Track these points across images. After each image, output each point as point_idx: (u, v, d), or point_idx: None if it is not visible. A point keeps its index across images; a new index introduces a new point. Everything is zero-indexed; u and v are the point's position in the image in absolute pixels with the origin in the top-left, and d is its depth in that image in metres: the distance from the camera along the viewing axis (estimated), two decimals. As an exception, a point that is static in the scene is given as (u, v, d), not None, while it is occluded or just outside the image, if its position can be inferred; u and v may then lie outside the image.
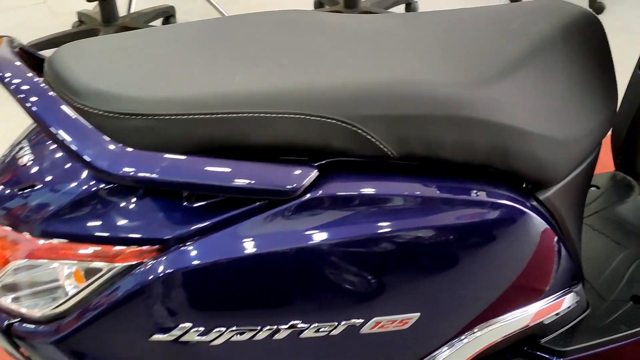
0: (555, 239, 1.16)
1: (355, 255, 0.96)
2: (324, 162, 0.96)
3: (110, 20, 3.34)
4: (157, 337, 0.90)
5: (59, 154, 0.94)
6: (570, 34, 1.19)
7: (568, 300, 1.24)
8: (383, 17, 1.23)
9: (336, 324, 0.96)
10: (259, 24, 1.11)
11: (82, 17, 3.59)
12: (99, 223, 0.89)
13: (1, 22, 3.93)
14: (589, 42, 1.22)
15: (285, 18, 1.14)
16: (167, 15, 3.65)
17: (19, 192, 0.93)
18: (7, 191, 0.95)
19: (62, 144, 0.86)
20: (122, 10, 3.51)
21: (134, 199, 0.90)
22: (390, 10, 3.58)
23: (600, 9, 3.56)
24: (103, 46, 1.00)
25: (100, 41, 1.02)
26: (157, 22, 3.64)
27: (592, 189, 1.70)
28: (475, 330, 1.12)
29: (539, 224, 1.11)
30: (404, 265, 1.00)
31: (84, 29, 3.43)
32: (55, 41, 3.35)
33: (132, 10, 3.64)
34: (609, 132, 1.46)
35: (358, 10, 3.42)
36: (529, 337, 1.25)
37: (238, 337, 0.92)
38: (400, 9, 3.69)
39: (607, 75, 1.25)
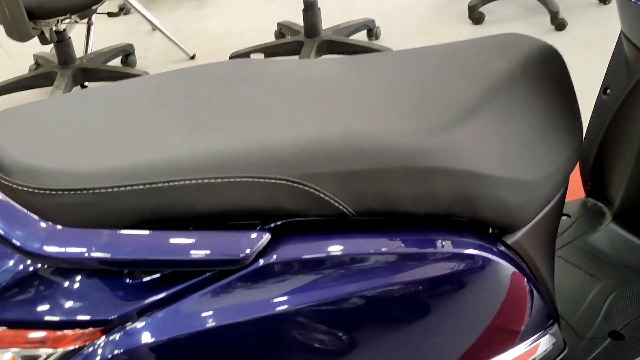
0: (526, 282, 1.12)
1: (315, 321, 0.91)
2: (277, 224, 0.91)
3: (67, 62, 3.28)
4: None
5: None
6: (531, 70, 1.16)
7: (544, 344, 1.20)
8: (333, 62, 1.19)
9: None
10: (201, 79, 1.06)
11: (39, 60, 3.53)
12: (37, 307, 0.84)
13: (-43, 68, 3.87)
14: (550, 77, 1.19)
15: (228, 70, 1.09)
16: (126, 53, 3.59)
17: None
18: None
19: None
20: (79, 51, 3.46)
21: (73, 280, 0.84)
22: (352, 37, 3.56)
23: (562, 25, 3.55)
24: (33, 115, 0.95)
25: (30, 109, 0.97)
26: (116, 62, 3.58)
27: (564, 217, 1.66)
28: None
29: (507, 269, 1.07)
30: (368, 326, 0.95)
31: (41, 72, 3.37)
32: (12, 85, 3.30)
33: (90, 50, 3.58)
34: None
35: (319, 39, 3.39)
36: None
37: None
38: (362, 35, 3.67)
39: (570, 110, 1.22)
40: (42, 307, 0.83)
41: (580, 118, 1.24)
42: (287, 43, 3.50)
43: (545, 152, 1.15)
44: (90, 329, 0.83)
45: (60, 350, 0.83)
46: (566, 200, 1.71)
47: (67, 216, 0.82)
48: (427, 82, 1.10)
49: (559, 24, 3.55)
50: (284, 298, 0.89)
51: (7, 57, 3.90)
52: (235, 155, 0.88)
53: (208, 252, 0.85)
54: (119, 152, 0.87)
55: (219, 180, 0.85)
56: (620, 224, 1.60)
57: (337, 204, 0.91)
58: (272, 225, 0.91)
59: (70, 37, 3.30)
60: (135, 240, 0.83)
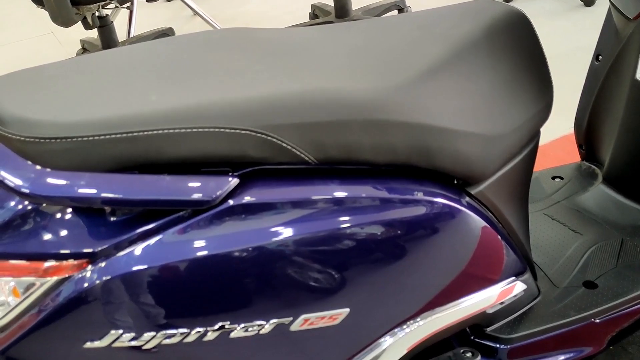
0: (491, 232, 1.19)
1: (277, 257, 1.00)
2: (245, 170, 1.01)
3: (110, 46, 3.43)
4: (90, 344, 0.96)
5: None
6: (496, 33, 1.23)
7: (513, 290, 1.28)
8: (313, 30, 1.28)
9: (264, 323, 1.01)
10: (186, 45, 1.17)
11: (85, 45, 3.69)
12: (30, 241, 0.95)
13: (12, 53, 4.06)
14: (516, 39, 1.26)
15: (214, 37, 1.19)
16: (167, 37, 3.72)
17: None
18: None
19: None
20: (122, 36, 3.60)
21: (61, 217, 0.95)
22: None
23: (590, 1, 3.60)
24: (32, 76, 1.06)
25: (30, 72, 1.08)
26: (157, 45, 3.71)
27: (557, 180, 1.73)
28: (418, 319, 1.17)
29: (471, 218, 1.15)
30: (328, 263, 1.04)
31: (86, 56, 3.51)
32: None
33: (132, 34, 3.73)
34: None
35: (349, 19, 3.47)
36: (475, 326, 1.29)
37: (168, 341, 0.98)
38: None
39: (538, 69, 1.29)
40: (35, 241, 0.95)
41: (549, 76, 1.30)
42: (317, 24, 3.59)
43: (508, 109, 1.22)
44: (77, 260, 0.95)
45: (51, 279, 0.94)
46: (562, 165, 1.79)
47: (55, 161, 0.93)
48: (394, 45, 1.19)
49: (588, 1, 3.58)
50: (248, 235, 0.98)
51: (57, 44, 4.10)
52: (204, 108, 0.97)
53: (179, 193, 0.95)
54: (101, 106, 0.98)
55: (189, 130, 0.95)
56: (608, 184, 1.67)
57: (299, 153, 1.01)
58: (241, 172, 1.01)
59: (112, 22, 3.43)
60: (115, 181, 0.94)
